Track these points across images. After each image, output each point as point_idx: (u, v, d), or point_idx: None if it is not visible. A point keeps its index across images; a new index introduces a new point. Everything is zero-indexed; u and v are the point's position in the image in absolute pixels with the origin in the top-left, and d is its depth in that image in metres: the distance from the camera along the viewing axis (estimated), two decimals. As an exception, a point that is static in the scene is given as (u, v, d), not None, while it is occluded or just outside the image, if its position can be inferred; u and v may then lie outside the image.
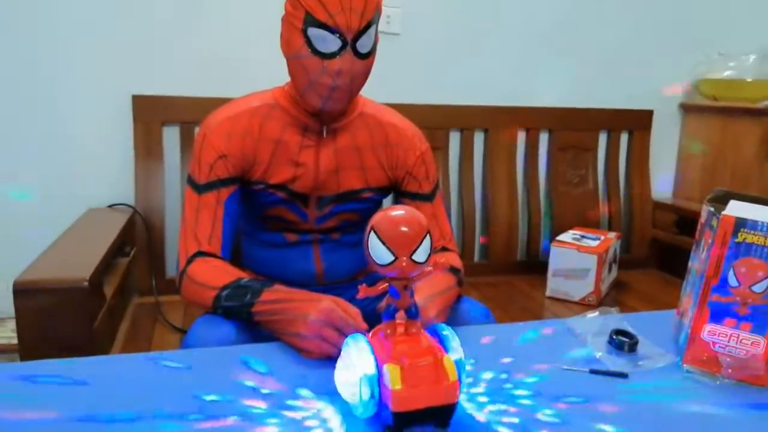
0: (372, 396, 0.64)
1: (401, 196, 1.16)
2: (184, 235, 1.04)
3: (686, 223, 2.13)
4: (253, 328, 0.94)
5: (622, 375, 0.84)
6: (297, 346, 0.85)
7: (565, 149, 2.11)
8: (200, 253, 1.02)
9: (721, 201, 0.90)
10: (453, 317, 1.02)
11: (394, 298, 0.68)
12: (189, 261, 1.01)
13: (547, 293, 1.86)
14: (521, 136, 2.07)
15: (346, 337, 0.71)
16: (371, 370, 0.64)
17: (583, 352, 0.90)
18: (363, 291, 0.70)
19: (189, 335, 0.94)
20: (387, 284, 0.69)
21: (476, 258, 2.06)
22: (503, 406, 0.73)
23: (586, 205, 2.13)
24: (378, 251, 0.64)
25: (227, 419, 0.68)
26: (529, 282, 1.96)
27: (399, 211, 0.66)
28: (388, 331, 0.68)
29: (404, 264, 0.64)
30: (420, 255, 0.65)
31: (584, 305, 1.80)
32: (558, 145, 2.10)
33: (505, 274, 2.01)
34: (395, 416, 0.62)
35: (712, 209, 0.86)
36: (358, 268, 1.20)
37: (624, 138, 2.20)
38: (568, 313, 1.75)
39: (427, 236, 0.65)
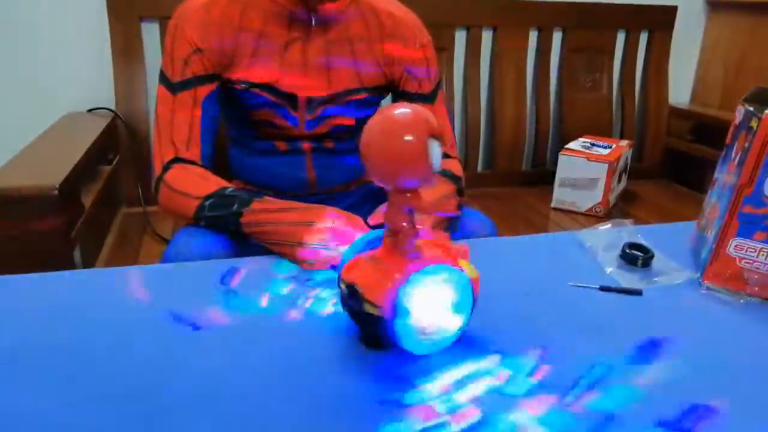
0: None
1: (399, 97, 1.05)
2: (158, 139, 0.95)
3: (703, 130, 2.02)
4: (242, 240, 0.86)
5: (636, 292, 0.77)
6: (297, 258, 0.78)
7: (580, 51, 1.96)
8: (178, 159, 0.93)
9: (760, 100, 0.79)
10: (455, 230, 0.95)
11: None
12: (166, 168, 0.93)
13: (553, 204, 1.79)
14: (533, 36, 1.92)
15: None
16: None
17: (592, 267, 0.83)
18: (374, 216, 0.62)
19: (170, 248, 0.87)
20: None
21: (480, 167, 1.97)
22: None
23: (599, 112, 2.01)
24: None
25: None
26: (535, 193, 1.88)
27: (401, 110, 0.57)
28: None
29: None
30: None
31: (591, 216, 1.73)
32: (572, 46, 1.95)
33: (509, 185, 1.93)
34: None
35: (751, 108, 0.76)
36: (352, 177, 1.12)
37: (643, 38, 2.04)
38: (574, 225, 1.68)
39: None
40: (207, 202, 0.86)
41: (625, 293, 0.77)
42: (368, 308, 0.57)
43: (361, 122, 1.07)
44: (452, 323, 0.57)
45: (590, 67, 1.98)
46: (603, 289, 0.77)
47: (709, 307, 0.74)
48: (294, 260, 0.79)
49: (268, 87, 0.96)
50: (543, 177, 1.90)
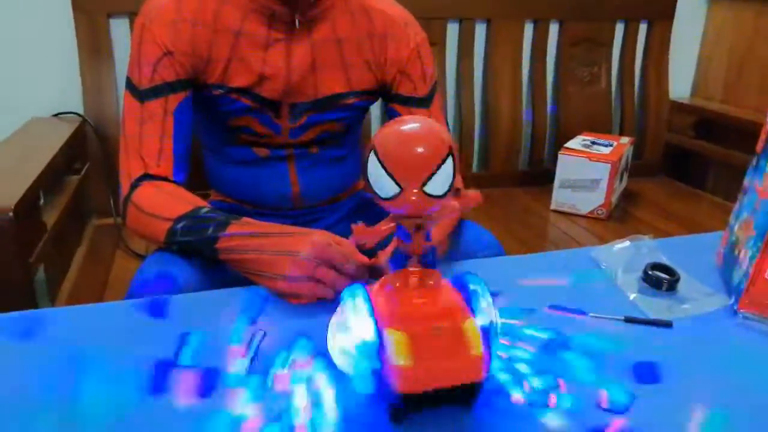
0: (373, 369, 0.48)
1: (391, 101, 0.96)
2: (125, 153, 0.84)
3: (705, 126, 1.94)
4: (219, 269, 0.77)
5: (665, 324, 0.68)
6: (281, 291, 0.69)
7: (577, 43, 1.87)
8: (147, 176, 0.83)
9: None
10: (454, 249, 0.86)
11: (403, 241, 0.51)
12: (134, 186, 0.82)
13: (552, 206, 1.70)
14: (528, 29, 1.82)
15: (345, 276, 0.63)
16: (370, 336, 0.47)
17: (612, 292, 0.75)
18: (358, 232, 0.53)
19: (137, 280, 0.78)
20: (392, 224, 0.52)
21: (475, 168, 1.88)
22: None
23: (598, 107, 1.92)
24: (378, 179, 0.46)
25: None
26: (532, 194, 1.79)
27: (410, 124, 0.48)
28: (398, 284, 0.51)
29: (413, 197, 0.46)
30: (436, 185, 0.46)
31: (592, 219, 1.65)
32: (569, 38, 1.86)
33: (505, 186, 1.84)
34: (402, 398, 0.46)
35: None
36: (341, 188, 1.02)
37: (642, 29, 1.95)
38: (576, 229, 1.60)
39: (449, 159, 0.47)
40: (179, 225, 0.76)
41: (653, 325, 0.68)
42: None
43: (350, 128, 0.97)
44: None
45: (588, 60, 1.89)
46: (628, 320, 0.69)
47: (746, 339, 0.66)
48: (277, 293, 0.69)
49: (248, 92, 0.86)
50: (541, 177, 1.81)
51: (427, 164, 0.46)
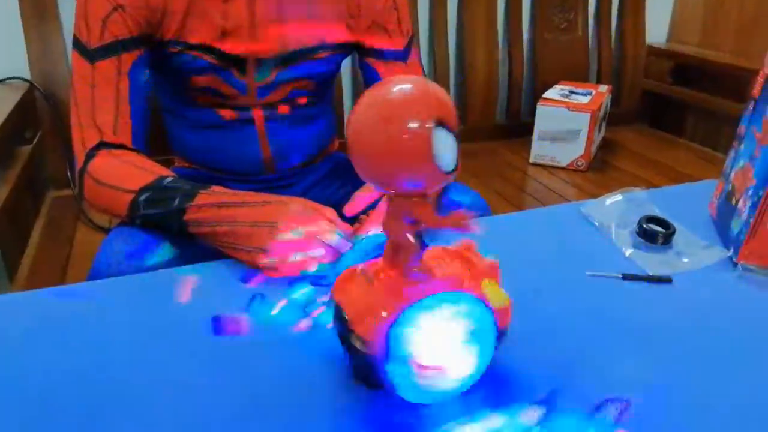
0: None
1: (366, 55, 0.89)
2: (77, 120, 0.77)
3: (682, 71, 1.90)
4: (189, 243, 0.71)
5: (665, 280, 0.65)
6: (259, 264, 0.63)
7: (553, -12, 1.81)
8: (104, 144, 0.76)
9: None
10: (440, 211, 0.81)
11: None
12: (89, 155, 0.75)
13: (531, 159, 1.66)
14: (502, -27, 1.75)
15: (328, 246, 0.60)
16: None
17: (607, 249, 0.71)
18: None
19: (100, 257, 0.71)
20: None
21: (450, 122, 1.82)
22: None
23: (574, 55, 1.87)
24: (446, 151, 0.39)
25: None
26: (511, 148, 1.75)
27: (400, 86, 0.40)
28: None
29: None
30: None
31: (572, 171, 1.62)
32: (545, -18, 1.79)
33: (483, 140, 1.79)
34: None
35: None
36: (315, 150, 0.96)
37: (619, -29, 1.89)
38: (557, 182, 1.57)
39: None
40: (142, 197, 0.70)
41: (653, 282, 0.65)
42: (356, 342, 0.44)
43: (322, 86, 0.91)
44: (464, 367, 0.44)
45: (564, 5, 1.83)
46: (626, 278, 0.66)
47: (747, 291, 0.64)
48: (254, 267, 0.64)
49: (209, 48, 0.79)
50: (519, 130, 1.77)
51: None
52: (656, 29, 2.02)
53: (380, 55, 0.88)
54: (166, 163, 0.78)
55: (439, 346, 0.43)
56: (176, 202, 0.68)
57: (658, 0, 1.98)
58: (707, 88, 1.79)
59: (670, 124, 1.90)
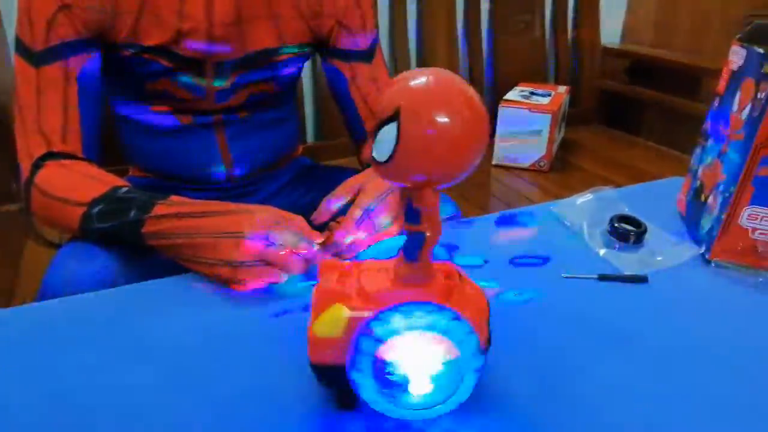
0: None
1: (330, 56, 0.86)
2: (23, 128, 0.72)
3: (637, 71, 1.94)
4: (144, 257, 0.67)
5: (641, 279, 0.65)
6: (224, 278, 0.60)
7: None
8: (52, 155, 0.71)
9: (760, 38, 0.67)
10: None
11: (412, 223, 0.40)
12: (36, 166, 0.70)
13: (494, 161, 1.66)
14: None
15: (299, 258, 0.57)
16: None
17: (581, 250, 0.71)
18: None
19: (50, 274, 0.66)
20: None
21: (413, 125, 1.81)
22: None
23: (533, 56, 1.88)
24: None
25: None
26: (473, 149, 1.75)
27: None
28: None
29: None
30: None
31: (534, 171, 1.62)
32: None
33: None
34: None
35: (760, 51, 0.63)
36: (278, 156, 0.93)
37: (573, -28, 1.92)
38: (520, 182, 1.57)
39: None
40: (95, 210, 0.65)
41: (629, 281, 0.65)
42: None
43: (284, 89, 0.87)
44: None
45: (522, 7, 1.84)
46: (603, 278, 0.65)
47: (721, 288, 0.64)
48: (218, 281, 0.60)
49: (164, 51, 0.74)
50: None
51: None
52: (611, 30, 2.05)
53: (345, 56, 0.85)
54: (121, 173, 0.73)
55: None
56: (132, 213, 0.64)
57: (612, 0, 2.02)
58: (662, 87, 1.82)
59: (628, 123, 1.93)
